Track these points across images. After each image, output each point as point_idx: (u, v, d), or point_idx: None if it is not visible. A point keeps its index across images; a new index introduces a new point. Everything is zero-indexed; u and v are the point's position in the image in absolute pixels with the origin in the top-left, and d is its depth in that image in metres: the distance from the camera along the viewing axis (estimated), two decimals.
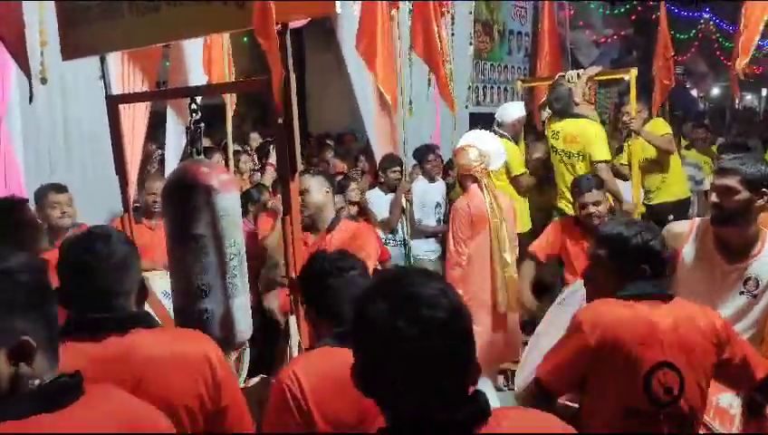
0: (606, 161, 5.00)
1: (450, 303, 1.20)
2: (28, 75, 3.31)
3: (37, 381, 1.26)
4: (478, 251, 4.08)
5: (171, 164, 5.15)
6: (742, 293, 2.58)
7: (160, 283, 3.37)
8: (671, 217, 5.09)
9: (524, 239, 5.47)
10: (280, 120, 2.29)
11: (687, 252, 2.69)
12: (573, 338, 2.14)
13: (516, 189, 5.45)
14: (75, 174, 4.37)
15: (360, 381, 1.25)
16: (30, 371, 1.25)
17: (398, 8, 5.34)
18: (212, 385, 1.82)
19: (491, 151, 4.21)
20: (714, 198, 2.55)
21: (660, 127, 5.78)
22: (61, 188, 3.91)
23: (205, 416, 1.81)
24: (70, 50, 2.86)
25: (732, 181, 2.51)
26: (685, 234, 2.72)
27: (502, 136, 5.45)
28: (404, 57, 5.82)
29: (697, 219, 2.81)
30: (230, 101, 5.40)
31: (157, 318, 1.94)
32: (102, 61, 2.88)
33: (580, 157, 5.03)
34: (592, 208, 3.86)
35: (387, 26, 5.20)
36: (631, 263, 2.16)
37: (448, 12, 5.81)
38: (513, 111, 5.63)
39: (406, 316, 1.17)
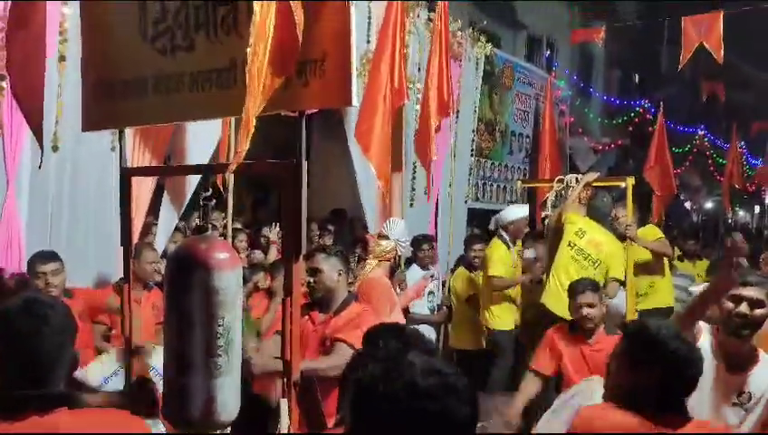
0: (619, 281, 5.22)
1: (442, 376, 1.24)
2: (41, 144, 3.38)
3: None
4: None
5: (161, 237, 5.21)
6: (735, 404, 2.59)
7: (156, 358, 3.35)
8: None
9: (510, 337, 5.66)
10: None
11: None
12: None
13: (490, 286, 5.66)
14: (76, 242, 4.39)
15: None
16: None
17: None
18: None
19: (398, 239, 4.60)
20: (744, 308, 2.56)
21: (653, 232, 5.93)
22: (46, 258, 3.81)
23: None
24: (91, 122, 2.94)
25: (761, 294, 2.57)
26: None
27: (500, 237, 5.64)
28: (409, 146, 5.97)
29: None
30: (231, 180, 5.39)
31: None
32: (121, 134, 2.96)
33: (596, 263, 5.16)
34: (586, 311, 3.89)
35: (386, 116, 5.07)
36: (645, 364, 2.05)
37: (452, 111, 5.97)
38: (515, 212, 5.83)
39: (398, 382, 1.21)
